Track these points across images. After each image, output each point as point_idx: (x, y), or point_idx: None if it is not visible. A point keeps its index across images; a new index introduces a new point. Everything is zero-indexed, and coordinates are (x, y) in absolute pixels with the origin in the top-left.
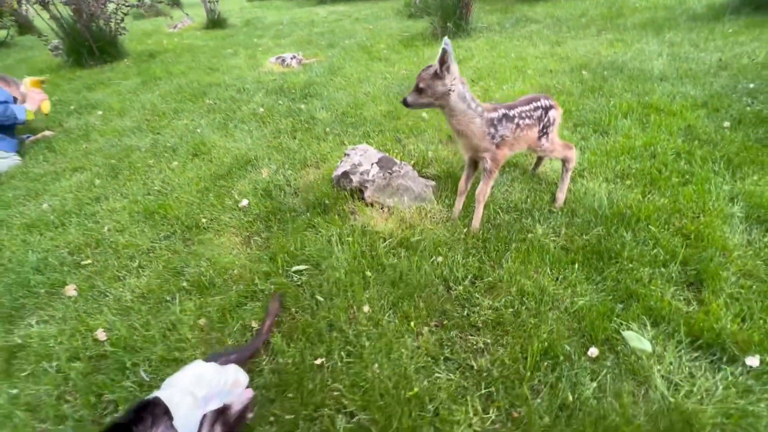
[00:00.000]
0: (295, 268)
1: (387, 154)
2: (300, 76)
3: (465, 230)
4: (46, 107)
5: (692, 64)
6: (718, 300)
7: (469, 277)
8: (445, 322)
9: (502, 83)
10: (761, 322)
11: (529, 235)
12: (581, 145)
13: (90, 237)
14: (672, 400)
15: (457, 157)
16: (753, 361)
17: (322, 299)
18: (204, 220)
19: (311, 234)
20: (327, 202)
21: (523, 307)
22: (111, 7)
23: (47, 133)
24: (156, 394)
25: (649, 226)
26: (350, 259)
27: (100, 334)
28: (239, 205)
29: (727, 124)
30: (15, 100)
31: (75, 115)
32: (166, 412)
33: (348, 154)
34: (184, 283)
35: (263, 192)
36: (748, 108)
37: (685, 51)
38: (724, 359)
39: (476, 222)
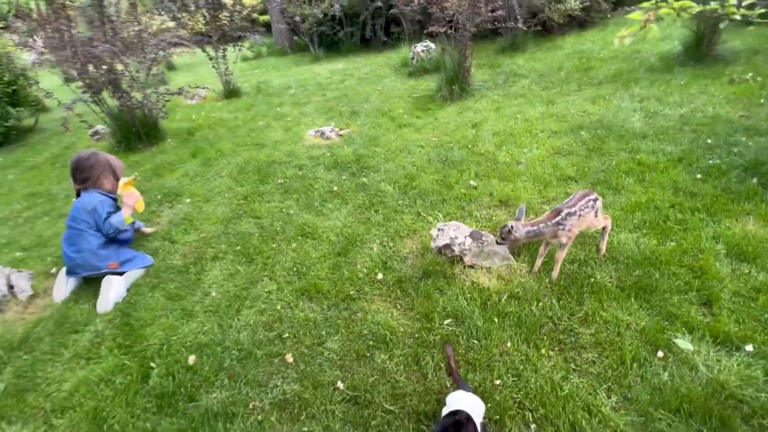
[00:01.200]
0: (446, 322)
1: (475, 228)
2: (345, 149)
3: (547, 280)
4: (140, 206)
5: (661, 120)
6: (722, 313)
7: (566, 314)
8: (563, 347)
9: (522, 148)
10: (749, 323)
11: (592, 280)
12: (603, 202)
13: (271, 315)
14: (712, 375)
15: (513, 217)
16: (749, 347)
17: (476, 342)
18: (352, 292)
19: (439, 294)
20: (438, 268)
21: (608, 331)
22: (153, 97)
23: (145, 230)
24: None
25: (670, 266)
26: (480, 311)
27: (340, 384)
28: (376, 278)
29: (699, 176)
30: (114, 198)
31: (166, 205)
32: (469, 419)
33: (442, 229)
34: (370, 342)
35: (382, 263)
36: (710, 162)
37: (653, 106)
38: (734, 348)
39: (555, 274)
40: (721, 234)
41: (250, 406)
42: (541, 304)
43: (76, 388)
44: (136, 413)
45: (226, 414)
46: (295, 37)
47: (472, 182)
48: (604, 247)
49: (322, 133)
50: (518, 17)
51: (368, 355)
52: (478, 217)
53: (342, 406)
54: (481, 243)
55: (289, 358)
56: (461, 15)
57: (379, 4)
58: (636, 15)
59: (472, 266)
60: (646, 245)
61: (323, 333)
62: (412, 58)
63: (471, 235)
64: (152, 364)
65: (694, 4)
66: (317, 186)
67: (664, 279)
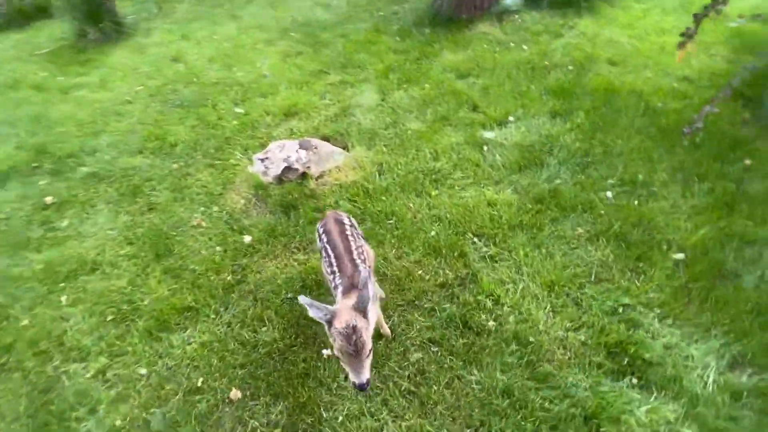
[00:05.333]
0: None
1: (301, 138)
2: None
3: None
4: None
5: (335, 10)
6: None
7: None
8: (439, 186)
9: (253, 63)
10: None
11: None
12: None
13: None
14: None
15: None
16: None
17: (390, 223)
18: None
19: (318, 213)
20: (294, 195)
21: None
22: None
23: None
24: None
25: None
26: (364, 197)
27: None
28: (244, 241)
29: (397, 38)
30: None
31: None
32: None
33: (266, 158)
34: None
35: (223, 236)
36: (397, 26)
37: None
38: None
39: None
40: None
41: None
42: (409, 162)
43: None
44: None
45: None
46: None
47: (237, 110)
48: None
49: None
50: None
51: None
52: (277, 137)
53: None
54: (315, 149)
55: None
56: None
57: None
58: None
59: (320, 175)
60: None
61: None
62: None
63: (301, 147)
64: None
65: None
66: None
67: None
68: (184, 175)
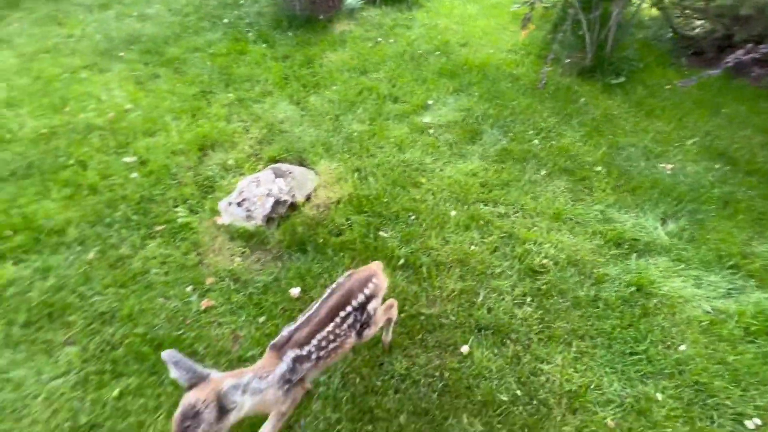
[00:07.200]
0: (383, 231)
1: (271, 167)
2: None
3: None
4: None
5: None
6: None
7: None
8: (424, 180)
9: None
10: None
11: None
12: None
13: None
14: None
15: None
16: None
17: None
18: None
19: (344, 233)
20: (302, 229)
21: None
22: None
23: None
24: None
25: None
26: (377, 207)
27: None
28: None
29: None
30: None
31: None
32: None
33: (243, 201)
34: None
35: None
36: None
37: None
38: None
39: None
40: None
41: None
42: (382, 161)
43: None
44: None
45: None
46: None
47: (125, 159)
48: (388, 339)
49: None
50: None
51: None
52: (215, 178)
53: None
54: (290, 174)
55: None
56: None
57: None
58: None
59: (307, 200)
60: None
61: None
62: None
63: (276, 176)
64: None
65: None
66: None
67: None
68: (116, 262)
